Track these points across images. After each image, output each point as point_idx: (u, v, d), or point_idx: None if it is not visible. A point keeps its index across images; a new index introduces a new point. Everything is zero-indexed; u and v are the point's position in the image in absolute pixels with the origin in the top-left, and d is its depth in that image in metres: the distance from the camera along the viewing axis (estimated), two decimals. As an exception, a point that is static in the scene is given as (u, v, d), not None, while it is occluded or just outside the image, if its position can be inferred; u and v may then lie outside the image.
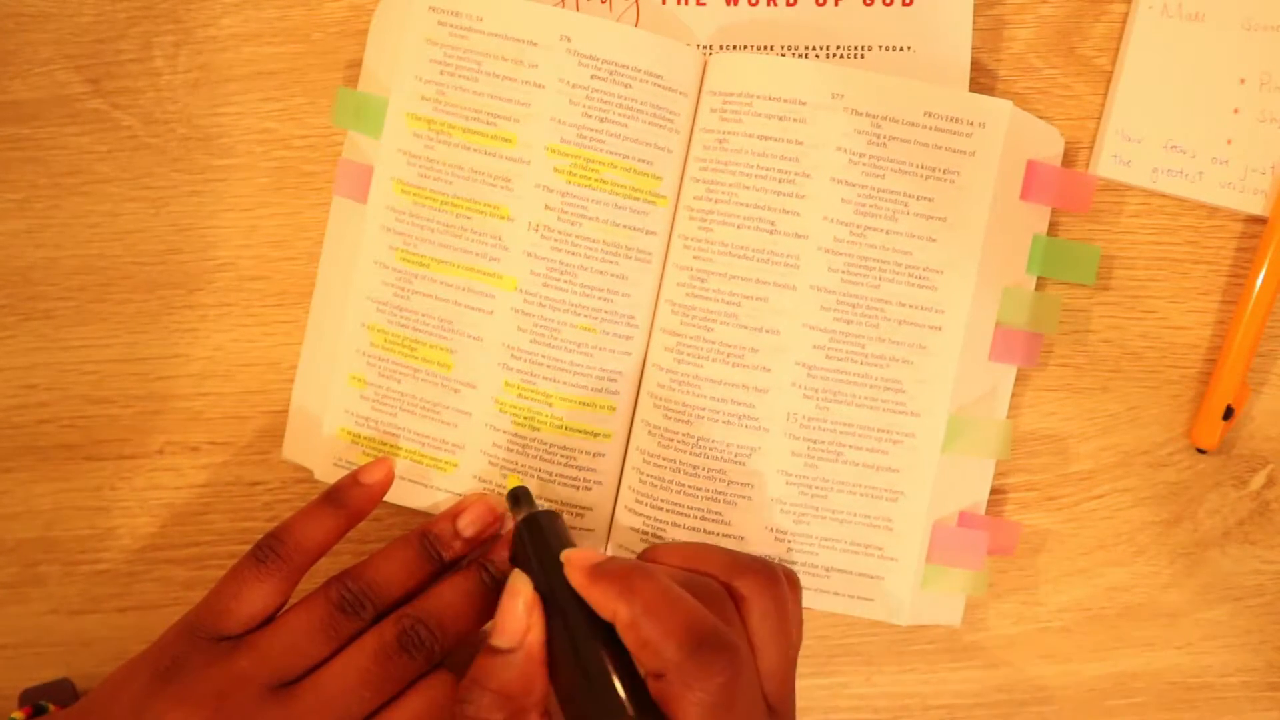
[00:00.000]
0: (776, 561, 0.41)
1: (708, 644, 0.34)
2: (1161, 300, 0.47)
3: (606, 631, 0.36)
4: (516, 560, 0.40)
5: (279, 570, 0.40)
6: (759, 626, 0.37)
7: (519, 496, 0.41)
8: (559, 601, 0.37)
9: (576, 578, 0.36)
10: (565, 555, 0.37)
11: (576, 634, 0.36)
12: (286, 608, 0.40)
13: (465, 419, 0.44)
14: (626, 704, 0.34)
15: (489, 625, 0.37)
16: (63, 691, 0.45)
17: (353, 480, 0.43)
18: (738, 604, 0.37)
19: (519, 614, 0.37)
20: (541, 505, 0.41)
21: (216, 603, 0.40)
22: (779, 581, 0.38)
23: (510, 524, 0.42)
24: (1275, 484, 0.47)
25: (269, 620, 0.40)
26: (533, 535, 0.39)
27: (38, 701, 0.43)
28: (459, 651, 0.41)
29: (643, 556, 0.40)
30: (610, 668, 0.35)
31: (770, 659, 0.37)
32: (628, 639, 0.35)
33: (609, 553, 0.45)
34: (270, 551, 0.40)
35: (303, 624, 0.39)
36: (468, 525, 0.42)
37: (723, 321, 0.43)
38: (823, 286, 0.43)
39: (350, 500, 0.42)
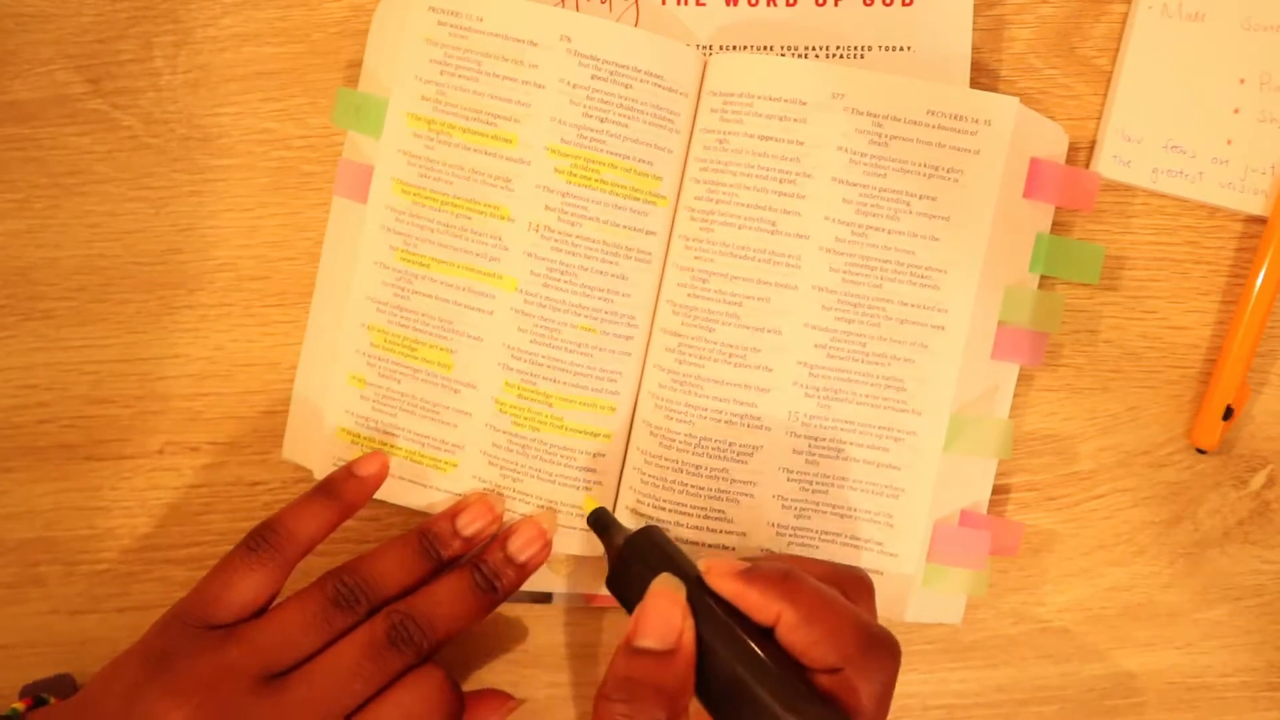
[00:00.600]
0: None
1: (876, 638, 0.36)
2: (1161, 300, 0.47)
3: (756, 633, 0.36)
4: (622, 578, 0.39)
5: (271, 560, 0.40)
6: None
7: (604, 519, 0.41)
8: (700, 608, 0.37)
9: (728, 585, 0.37)
10: (707, 564, 0.38)
11: (730, 636, 0.36)
12: (279, 600, 0.40)
13: (465, 419, 0.44)
14: (809, 692, 0.35)
15: (630, 627, 0.37)
16: (64, 686, 0.45)
17: (347, 472, 0.43)
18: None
19: (674, 615, 0.37)
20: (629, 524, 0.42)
21: (207, 592, 0.40)
22: (873, 590, 0.40)
23: (512, 530, 0.42)
24: (1275, 484, 0.47)
25: (260, 611, 0.40)
26: (648, 550, 0.39)
27: (39, 695, 0.43)
28: (449, 647, 0.41)
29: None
30: (778, 663, 0.36)
31: None
32: (792, 638, 0.36)
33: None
34: (263, 541, 0.40)
35: (296, 616, 0.39)
36: (467, 524, 0.42)
37: (724, 322, 0.43)
38: (824, 286, 0.43)
39: (344, 492, 0.42)
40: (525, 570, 0.42)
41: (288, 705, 0.37)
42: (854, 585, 0.39)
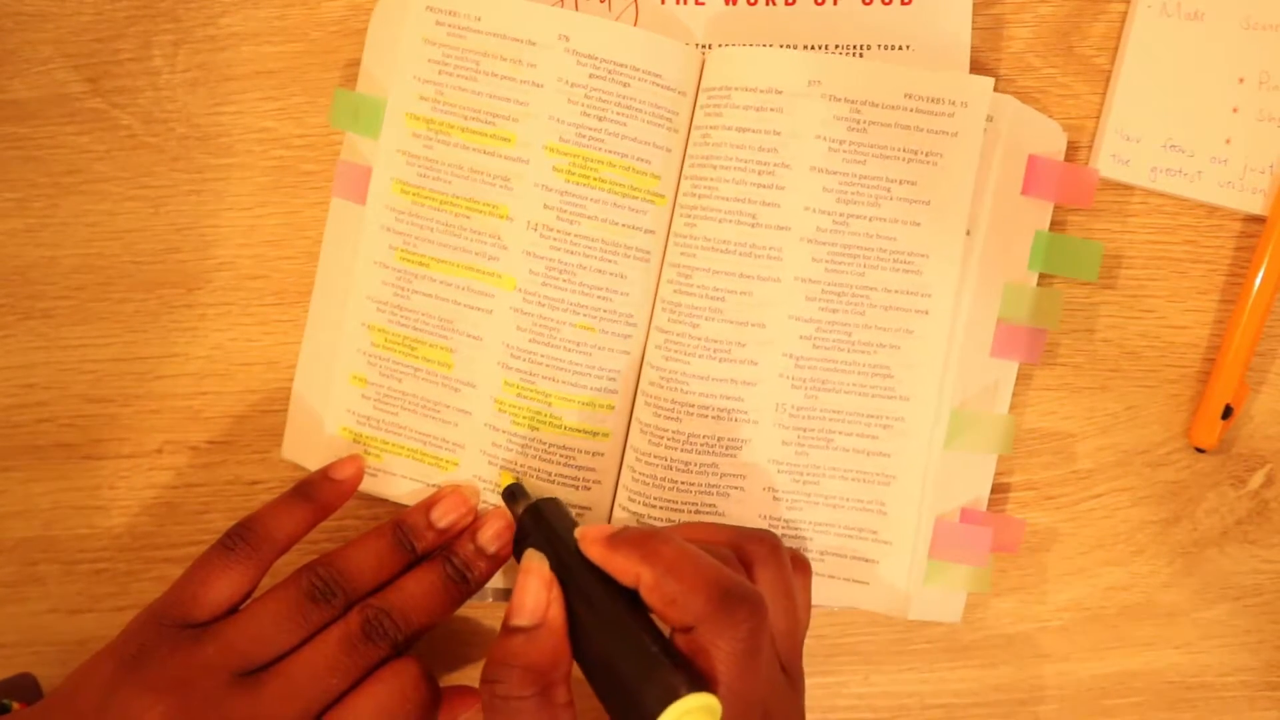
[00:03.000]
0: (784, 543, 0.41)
1: (733, 595, 0.35)
2: (1160, 299, 0.47)
3: (628, 599, 0.36)
4: (521, 550, 0.40)
5: (247, 559, 0.40)
6: (767, 589, 0.38)
7: (515, 492, 0.42)
8: (575, 578, 0.38)
9: (595, 550, 0.37)
10: (580, 531, 0.38)
11: (598, 604, 0.37)
12: (254, 596, 0.40)
13: (466, 418, 0.45)
14: (661, 658, 0.35)
15: (507, 607, 0.38)
16: (25, 687, 0.45)
17: (323, 475, 0.43)
18: (747, 569, 0.38)
19: (538, 591, 0.37)
20: (539, 494, 0.42)
21: (184, 591, 0.40)
22: (781, 548, 0.39)
23: (482, 521, 0.43)
24: (1274, 483, 0.47)
25: (235, 609, 0.40)
26: (538, 521, 0.40)
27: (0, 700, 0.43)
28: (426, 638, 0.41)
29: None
30: (638, 628, 0.36)
31: (780, 622, 0.38)
32: (652, 599, 0.36)
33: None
34: (239, 540, 0.40)
35: (271, 612, 0.39)
36: (441, 516, 0.43)
37: (708, 317, 0.43)
38: (807, 277, 0.43)
39: (320, 494, 0.43)
40: (496, 561, 0.42)
41: (264, 700, 0.37)
42: (754, 545, 0.38)
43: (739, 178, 0.43)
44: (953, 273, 0.43)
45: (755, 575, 0.38)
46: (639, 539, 0.37)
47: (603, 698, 0.36)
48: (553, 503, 0.41)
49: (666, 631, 0.36)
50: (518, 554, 0.40)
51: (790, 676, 0.38)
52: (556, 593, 0.37)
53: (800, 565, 0.40)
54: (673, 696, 0.33)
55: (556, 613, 0.37)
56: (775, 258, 0.43)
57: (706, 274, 0.43)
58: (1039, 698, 0.47)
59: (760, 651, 0.35)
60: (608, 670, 0.36)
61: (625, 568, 0.36)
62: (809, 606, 0.40)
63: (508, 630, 0.37)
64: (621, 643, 0.35)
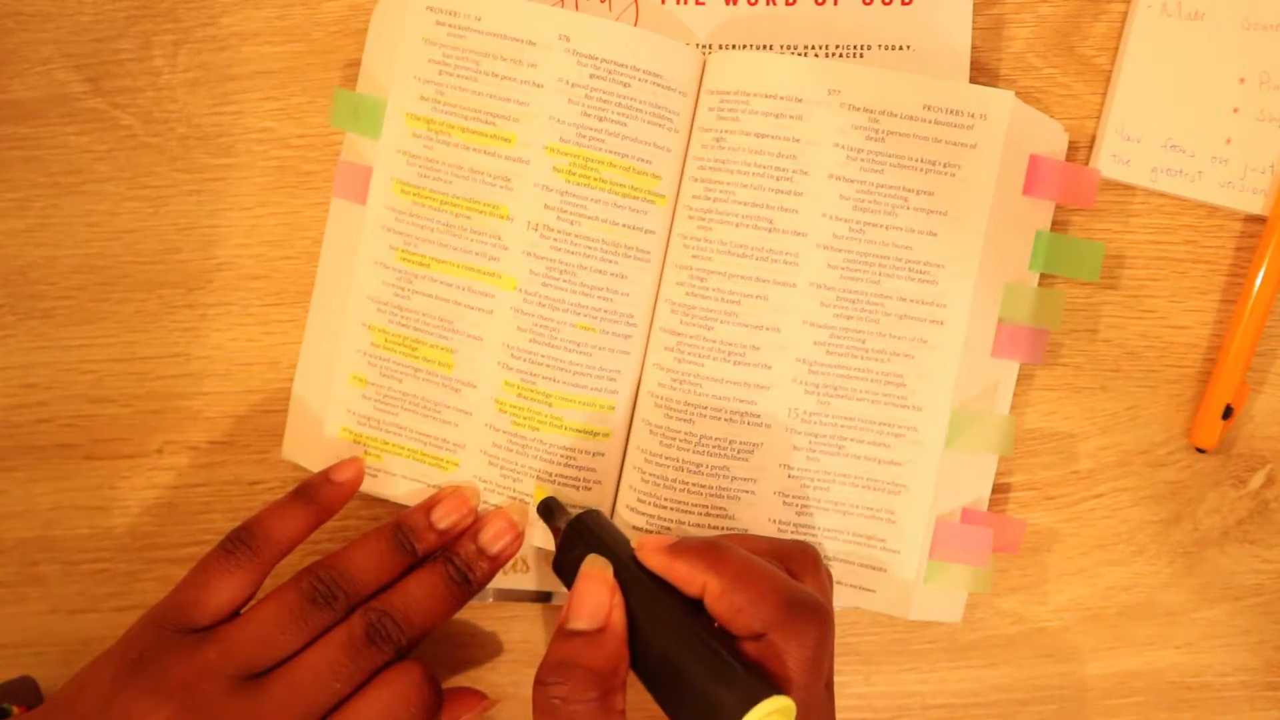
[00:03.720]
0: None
1: (803, 604, 0.36)
2: (1161, 299, 0.47)
3: (691, 606, 0.37)
4: (565, 563, 0.40)
5: (248, 562, 0.40)
6: None
7: (551, 506, 0.42)
8: (631, 586, 0.38)
9: (657, 559, 0.38)
10: (639, 540, 0.38)
11: (661, 611, 0.37)
12: (255, 600, 0.40)
13: (466, 418, 0.44)
14: (735, 663, 0.35)
15: (564, 610, 0.38)
16: (25, 690, 0.45)
17: (324, 478, 0.43)
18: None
19: (602, 595, 0.37)
20: (574, 510, 0.42)
21: (185, 594, 0.40)
22: (821, 561, 0.40)
23: (483, 522, 0.43)
24: (1274, 483, 0.47)
25: (237, 613, 0.40)
26: (583, 533, 0.40)
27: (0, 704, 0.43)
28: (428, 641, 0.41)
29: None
30: (704, 635, 0.36)
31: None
32: (718, 607, 0.36)
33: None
34: (240, 544, 0.40)
35: (273, 615, 0.39)
36: (442, 517, 0.43)
37: (723, 320, 0.43)
38: (822, 283, 0.43)
39: (320, 496, 0.42)
40: (497, 562, 0.42)
41: (267, 705, 0.37)
42: (795, 556, 0.39)
43: (757, 183, 0.43)
44: (969, 284, 0.43)
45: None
46: (703, 548, 0.37)
47: (668, 705, 0.36)
48: (596, 514, 0.41)
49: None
50: (562, 565, 0.40)
51: (828, 689, 0.38)
52: (619, 598, 0.37)
53: (828, 575, 0.41)
54: (754, 700, 0.33)
55: (619, 617, 0.37)
56: (791, 263, 0.43)
57: (721, 277, 0.43)
58: (1040, 698, 0.47)
59: (824, 660, 0.36)
60: (676, 677, 0.36)
61: (690, 576, 0.37)
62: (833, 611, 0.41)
63: (566, 633, 0.37)
64: (691, 649, 0.36)
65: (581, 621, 0.37)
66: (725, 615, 0.36)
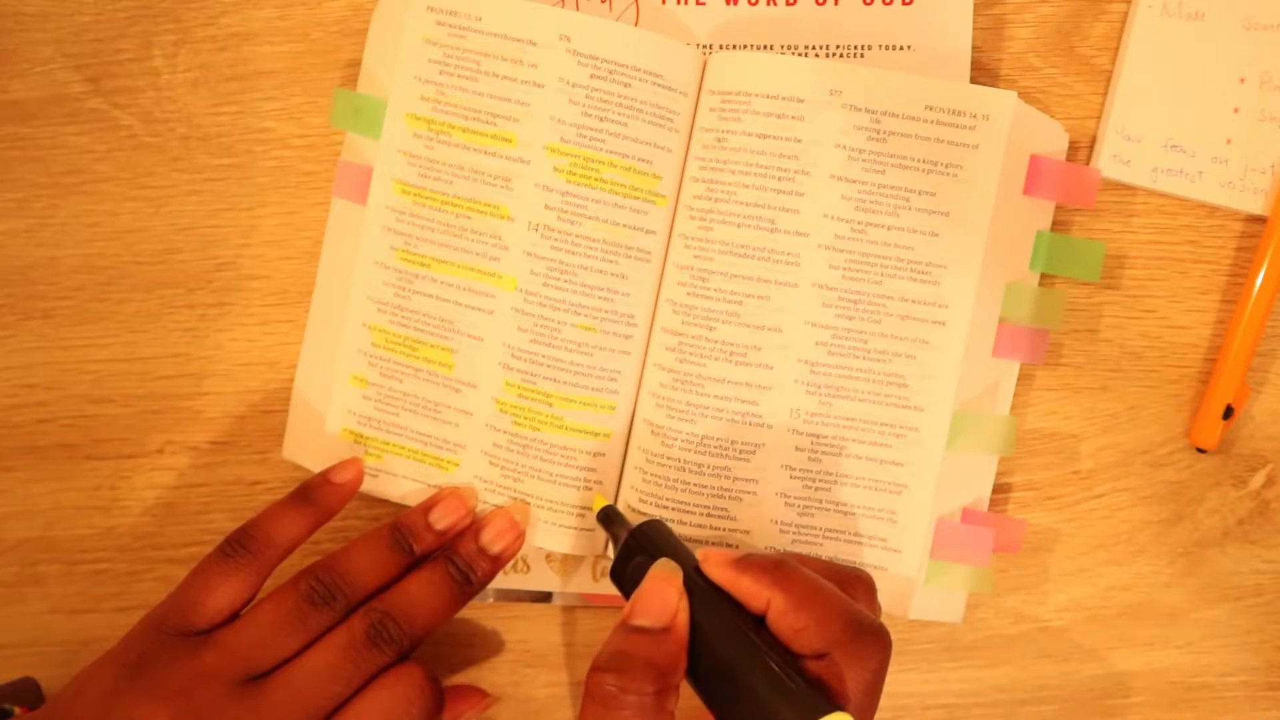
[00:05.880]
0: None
1: (868, 627, 0.36)
2: (1161, 299, 0.47)
3: (749, 620, 0.37)
4: (624, 569, 0.40)
5: (248, 565, 0.40)
6: None
7: (611, 515, 0.42)
8: (693, 596, 0.38)
9: (722, 572, 0.38)
10: (704, 553, 0.38)
11: (723, 622, 0.37)
12: (255, 602, 0.40)
13: (467, 419, 0.44)
14: (797, 678, 0.35)
15: (627, 608, 0.38)
16: (27, 690, 0.45)
17: (323, 479, 0.43)
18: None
19: (670, 595, 0.37)
20: (641, 516, 0.42)
21: (184, 597, 0.39)
22: (875, 589, 0.40)
23: (484, 522, 0.43)
24: (1275, 483, 0.47)
25: (237, 615, 0.40)
26: (647, 543, 0.40)
27: (1, 705, 0.42)
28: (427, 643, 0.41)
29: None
30: (766, 649, 0.36)
31: None
32: (781, 624, 0.36)
33: (608, 550, 0.45)
34: (240, 546, 0.40)
35: (272, 617, 0.39)
36: (440, 518, 0.43)
37: (724, 320, 0.43)
38: (824, 283, 0.43)
39: (320, 498, 0.42)
40: (499, 562, 0.42)
41: (267, 707, 0.37)
42: (852, 582, 0.39)
43: (759, 183, 0.43)
44: (970, 285, 0.43)
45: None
46: (770, 565, 0.37)
47: (726, 716, 0.36)
48: (659, 524, 0.41)
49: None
50: (621, 573, 0.40)
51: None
52: (685, 601, 0.37)
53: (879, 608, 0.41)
54: (814, 715, 0.34)
55: (684, 620, 0.37)
56: (793, 263, 0.43)
57: (723, 277, 0.43)
58: (1040, 698, 0.47)
59: (881, 685, 0.36)
60: (736, 687, 0.36)
61: (755, 592, 0.37)
62: None
63: (629, 629, 0.37)
64: (753, 661, 0.36)
65: (647, 619, 0.37)
66: (788, 633, 0.36)
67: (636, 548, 0.40)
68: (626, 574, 0.39)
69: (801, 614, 0.36)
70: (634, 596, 0.37)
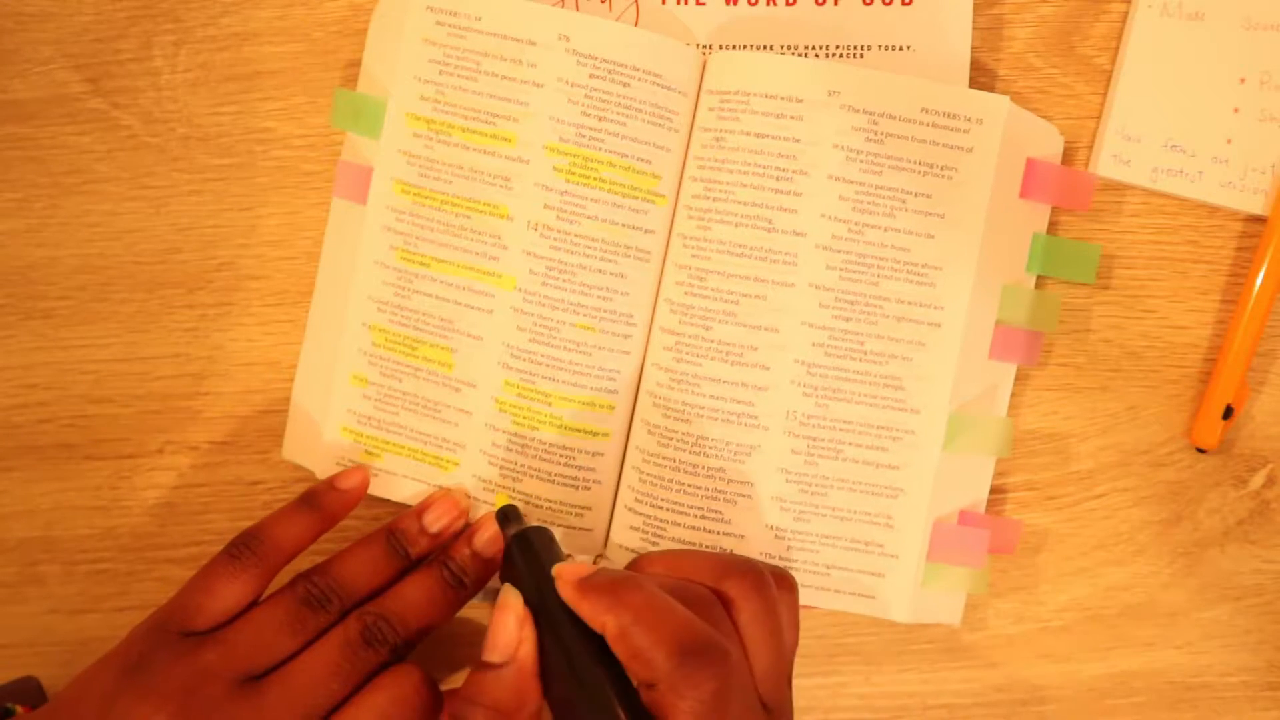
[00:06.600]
0: (770, 562, 0.41)
1: (696, 652, 0.34)
2: (1161, 300, 0.47)
3: (599, 644, 0.36)
4: (507, 576, 0.39)
5: (253, 568, 0.40)
6: (750, 629, 0.37)
7: (508, 515, 0.41)
8: (551, 616, 0.37)
9: (567, 591, 0.36)
10: (557, 569, 0.37)
11: (569, 647, 0.36)
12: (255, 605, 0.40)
13: (466, 418, 0.45)
14: (621, 715, 0.34)
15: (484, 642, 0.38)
16: (28, 689, 0.45)
17: (329, 485, 0.43)
18: (727, 607, 0.37)
19: (510, 628, 0.37)
20: (531, 522, 0.41)
21: (188, 599, 0.40)
22: (767, 583, 0.38)
23: (478, 526, 0.43)
24: (1275, 483, 0.47)
25: (237, 617, 0.40)
26: (524, 551, 0.39)
27: (3, 704, 0.43)
28: (425, 644, 0.41)
29: (631, 566, 0.40)
30: (604, 679, 0.35)
31: (763, 661, 0.37)
32: (619, 650, 0.35)
33: (607, 552, 0.45)
34: (245, 549, 0.40)
35: (269, 619, 0.39)
36: (433, 521, 0.43)
37: (721, 320, 0.43)
38: (821, 284, 0.43)
39: (325, 504, 0.43)
40: (492, 565, 0.42)
41: (266, 707, 0.38)
42: (737, 579, 0.37)
43: (756, 183, 0.43)
44: (966, 286, 0.43)
45: (736, 614, 0.37)
46: (609, 584, 0.36)
47: None
48: (540, 532, 0.40)
49: (635, 683, 0.35)
50: (505, 579, 0.39)
51: (774, 711, 0.37)
52: (529, 631, 0.37)
53: (786, 585, 0.39)
54: None
55: (527, 651, 0.37)
56: (790, 263, 0.43)
57: (720, 277, 0.43)
58: (1040, 698, 0.47)
59: (727, 710, 0.34)
60: (570, 717, 0.35)
61: (593, 614, 0.35)
62: (796, 625, 0.39)
63: (479, 665, 0.37)
64: (584, 692, 0.35)
65: (493, 654, 0.37)
66: (624, 658, 0.35)
67: (515, 557, 0.39)
68: (507, 582, 0.39)
69: (635, 637, 0.34)
70: (488, 630, 0.37)
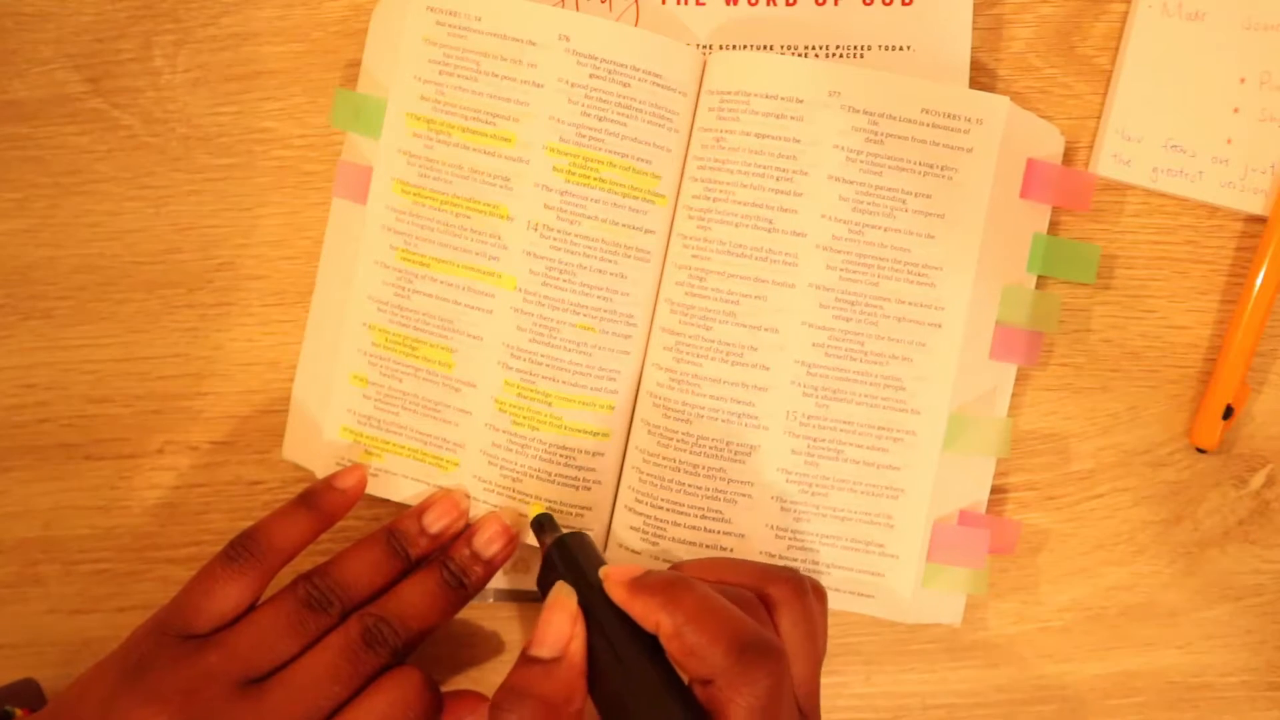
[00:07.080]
0: (804, 574, 0.41)
1: (754, 649, 0.34)
2: (1161, 300, 0.47)
3: (649, 643, 0.36)
4: (545, 582, 0.40)
5: (252, 570, 0.40)
6: (790, 634, 0.37)
7: (544, 523, 0.42)
8: (596, 617, 0.37)
9: (618, 592, 0.37)
10: (604, 571, 0.38)
11: (619, 646, 0.36)
12: (254, 607, 0.40)
13: (466, 418, 0.45)
14: (677, 710, 0.34)
15: (529, 637, 0.38)
16: (28, 692, 0.45)
17: (327, 485, 0.43)
18: (769, 612, 0.38)
19: (564, 624, 0.37)
20: (566, 529, 0.42)
21: (187, 601, 0.40)
22: (806, 590, 0.39)
23: (478, 526, 0.43)
24: (1275, 483, 0.47)
25: (238, 619, 0.40)
26: (565, 556, 0.40)
27: (3, 706, 0.43)
28: (425, 645, 0.41)
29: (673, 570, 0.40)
30: (657, 676, 0.35)
31: (801, 666, 0.37)
32: (672, 648, 0.35)
33: (607, 552, 0.45)
34: (244, 551, 0.40)
35: (271, 621, 0.39)
36: (433, 521, 0.43)
37: (722, 320, 0.43)
38: (821, 284, 0.43)
39: (324, 504, 0.43)
40: (492, 566, 0.42)
41: (267, 709, 0.37)
42: (779, 586, 0.38)
43: (757, 183, 0.43)
44: (966, 287, 0.43)
45: (778, 620, 0.38)
46: (662, 584, 0.36)
47: None
48: (580, 538, 0.40)
49: (686, 680, 0.36)
50: (542, 587, 0.40)
51: (807, 716, 0.37)
52: (580, 629, 0.37)
53: (819, 594, 0.40)
54: None
55: (577, 648, 0.37)
56: (790, 263, 0.43)
57: (720, 277, 0.43)
58: (1041, 698, 0.47)
59: (779, 707, 0.35)
60: (621, 715, 0.36)
61: (646, 614, 0.36)
62: (826, 634, 0.40)
63: (526, 660, 0.37)
64: (637, 688, 0.35)
65: (542, 649, 0.37)
66: (679, 657, 0.35)
67: (556, 561, 0.40)
68: (545, 589, 0.39)
69: (689, 636, 0.35)
70: (536, 626, 0.37)
